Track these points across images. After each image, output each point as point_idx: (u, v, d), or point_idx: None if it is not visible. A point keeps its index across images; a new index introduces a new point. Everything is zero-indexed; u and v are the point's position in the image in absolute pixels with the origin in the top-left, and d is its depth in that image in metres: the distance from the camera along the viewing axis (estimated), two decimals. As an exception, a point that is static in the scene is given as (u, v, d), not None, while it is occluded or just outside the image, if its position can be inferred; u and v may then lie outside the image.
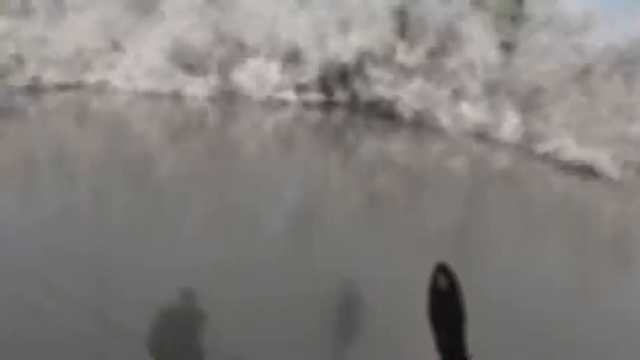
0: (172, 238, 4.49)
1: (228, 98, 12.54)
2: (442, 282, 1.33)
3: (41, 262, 3.76)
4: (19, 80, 11.92)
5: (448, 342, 1.27)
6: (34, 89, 12.07)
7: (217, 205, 5.64)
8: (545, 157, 10.20)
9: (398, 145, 11.06)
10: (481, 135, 11.19)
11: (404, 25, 12.15)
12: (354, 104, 12.64)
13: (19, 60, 12.00)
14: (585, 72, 10.67)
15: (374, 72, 11.93)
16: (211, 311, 3.24)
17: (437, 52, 11.71)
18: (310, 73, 12.06)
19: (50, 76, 12.24)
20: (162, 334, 3.05)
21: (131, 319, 3.05)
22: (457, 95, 11.41)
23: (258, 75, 12.16)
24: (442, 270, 1.34)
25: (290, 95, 12.36)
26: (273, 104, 12.40)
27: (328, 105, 12.84)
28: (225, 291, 3.47)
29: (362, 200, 6.73)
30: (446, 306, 1.32)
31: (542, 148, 10.26)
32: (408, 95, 11.56)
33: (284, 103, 12.44)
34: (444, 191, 7.61)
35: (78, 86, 12.67)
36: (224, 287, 3.57)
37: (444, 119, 11.08)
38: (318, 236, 4.99)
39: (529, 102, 11.08)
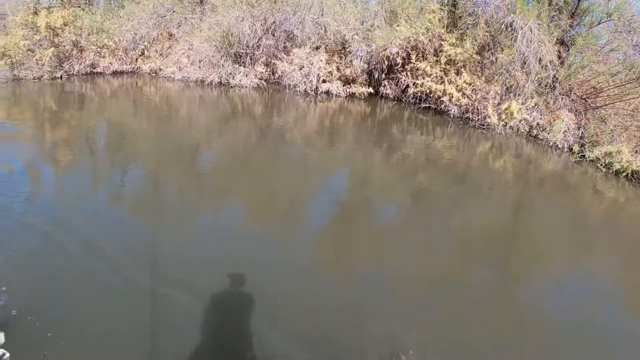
0: (214, 225, 4.81)
1: (274, 88, 12.78)
2: None
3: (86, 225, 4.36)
4: (79, 66, 12.55)
5: None
6: (92, 75, 12.73)
7: (261, 195, 5.88)
8: (598, 162, 9.82)
9: (444, 142, 10.97)
10: (531, 135, 10.92)
11: (454, 17, 11.87)
12: (400, 98, 12.58)
13: (79, 47, 12.60)
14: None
15: (421, 65, 11.79)
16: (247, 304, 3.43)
17: (488, 47, 11.42)
18: (356, 65, 12.03)
19: (107, 63, 12.82)
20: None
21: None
22: (508, 92, 11.15)
23: (304, 66, 12.29)
24: None
25: (336, 87, 12.43)
26: (319, 96, 12.53)
27: (374, 98, 12.84)
28: (261, 287, 3.66)
29: (405, 199, 6.78)
30: None
31: (595, 152, 9.90)
32: (456, 91, 11.40)
33: (329, 94, 12.55)
34: (490, 193, 7.56)
35: (133, 73, 13.23)
36: (260, 281, 3.75)
37: (493, 117, 10.88)
38: (357, 236, 5.05)
39: (585, 104, 10.70)
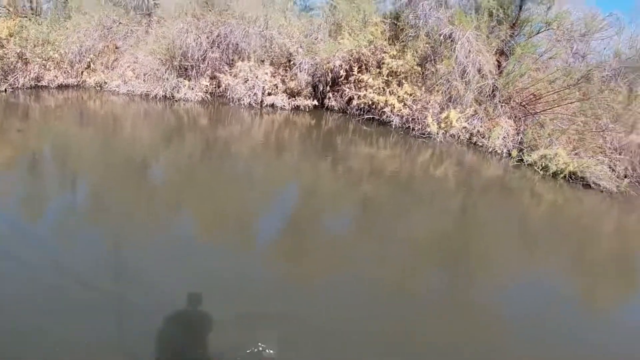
0: (165, 240, 4.68)
1: (220, 101, 12.64)
2: None
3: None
4: (24, 79, 12.40)
5: None
6: (37, 88, 12.57)
7: (211, 209, 5.78)
8: (537, 166, 9.71)
9: (387, 152, 10.84)
10: (472, 142, 10.80)
11: (397, 30, 11.91)
12: (345, 109, 12.47)
13: (23, 59, 12.48)
14: (584, 79, 10.10)
15: (364, 77, 11.74)
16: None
17: (429, 58, 11.41)
18: (301, 77, 11.95)
19: (52, 76, 12.69)
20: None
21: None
22: (450, 101, 11.05)
23: (249, 79, 12.20)
24: None
25: (281, 100, 12.32)
26: (264, 108, 12.39)
27: (319, 110, 12.72)
28: (217, 301, 3.59)
29: (352, 209, 6.73)
30: None
31: (533, 156, 9.75)
32: (397, 101, 11.29)
33: (274, 107, 12.41)
34: (433, 200, 7.57)
35: (78, 87, 13.09)
36: (217, 294, 3.71)
37: (433, 126, 10.73)
38: (308, 247, 5.05)
39: (524, 110, 10.59)
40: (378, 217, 6.32)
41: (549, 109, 10.26)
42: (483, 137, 10.64)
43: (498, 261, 5.38)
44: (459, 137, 10.87)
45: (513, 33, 11.32)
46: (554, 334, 3.79)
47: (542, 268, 5.38)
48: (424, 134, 10.96)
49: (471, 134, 10.80)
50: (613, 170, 9.39)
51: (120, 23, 12.93)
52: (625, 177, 9.48)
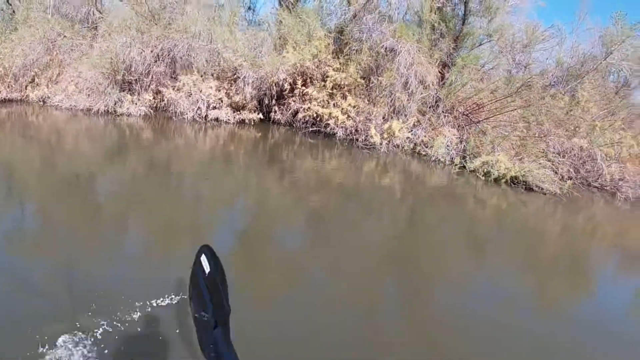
0: (109, 259, 4.40)
1: (163, 116, 12.32)
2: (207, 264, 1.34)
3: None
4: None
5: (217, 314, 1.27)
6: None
7: (154, 227, 5.54)
8: (480, 173, 9.56)
9: (333, 163, 10.58)
10: (416, 152, 10.56)
11: (341, 44, 11.85)
12: (291, 122, 12.20)
13: (-34, 74, 12.17)
14: (525, 87, 9.98)
15: (309, 90, 11.54)
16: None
17: (372, 71, 11.28)
18: (246, 91, 11.73)
19: (-5, 91, 12.34)
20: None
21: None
22: (394, 113, 10.85)
23: (192, 93, 11.95)
24: (207, 251, 1.36)
25: (226, 114, 12.04)
26: (208, 122, 12.09)
27: (266, 124, 12.44)
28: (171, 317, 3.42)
29: (302, 222, 6.58)
30: (212, 285, 1.31)
31: (475, 163, 9.54)
32: (341, 113, 11.06)
33: (219, 121, 12.11)
34: (382, 209, 7.56)
35: (22, 101, 12.74)
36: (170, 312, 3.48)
37: (376, 137, 10.46)
38: (262, 262, 4.91)
39: (467, 119, 10.39)
40: (328, 228, 6.16)
41: (491, 116, 10.11)
42: (427, 147, 10.41)
43: (450, 266, 5.42)
44: (403, 147, 10.65)
45: (456, 46, 11.30)
46: (509, 333, 3.89)
47: (493, 270, 5.56)
48: (367, 145, 10.68)
49: (415, 144, 10.57)
50: (556, 172, 9.37)
51: (64, 36, 12.74)
52: (570, 179, 9.40)
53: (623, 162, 9.61)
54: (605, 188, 9.64)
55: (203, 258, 1.34)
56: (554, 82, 10.22)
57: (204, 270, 1.32)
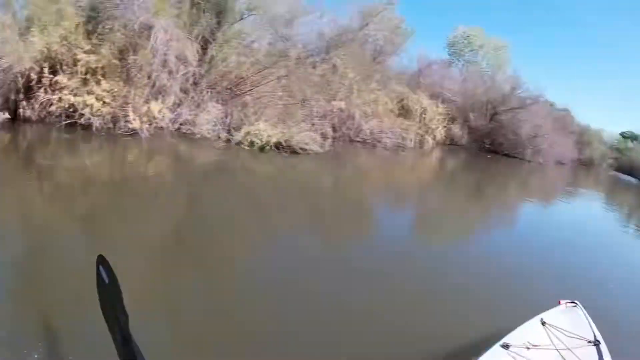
0: None
1: None
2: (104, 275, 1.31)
3: None
4: None
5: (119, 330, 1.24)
6: None
7: None
8: (245, 144, 9.39)
9: (93, 158, 9.36)
10: (182, 132, 9.91)
11: (93, 24, 10.62)
12: (44, 119, 10.57)
13: None
14: (282, 58, 10.01)
15: (59, 77, 10.09)
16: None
17: (128, 51, 10.29)
18: (-17, 86, 9.79)
19: None
20: None
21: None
22: (157, 93, 10.02)
23: None
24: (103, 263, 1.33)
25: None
26: None
27: (14, 124, 10.61)
28: None
29: (69, 229, 5.43)
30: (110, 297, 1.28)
31: (239, 135, 9.25)
32: (96, 101, 9.86)
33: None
34: (156, 198, 6.99)
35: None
36: None
37: (135, 122, 9.51)
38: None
39: (232, 93, 10.07)
40: (105, 231, 5.29)
41: (253, 88, 9.96)
42: (192, 125, 9.78)
43: (243, 237, 5.45)
44: (168, 129, 9.86)
45: (219, 21, 10.91)
46: (312, 292, 4.10)
47: (283, 229, 5.89)
48: (128, 132, 9.70)
49: (180, 124, 9.89)
50: (322, 134, 9.58)
51: None
52: (334, 138, 9.75)
53: (380, 118, 10.21)
54: (367, 141, 10.23)
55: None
56: (315, 52, 10.46)
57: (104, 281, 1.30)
